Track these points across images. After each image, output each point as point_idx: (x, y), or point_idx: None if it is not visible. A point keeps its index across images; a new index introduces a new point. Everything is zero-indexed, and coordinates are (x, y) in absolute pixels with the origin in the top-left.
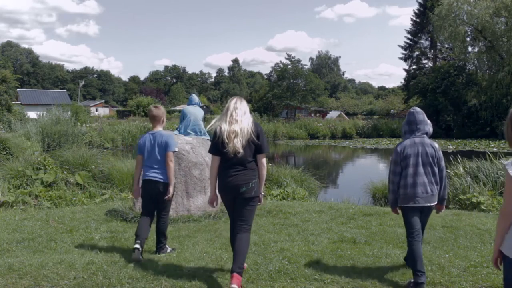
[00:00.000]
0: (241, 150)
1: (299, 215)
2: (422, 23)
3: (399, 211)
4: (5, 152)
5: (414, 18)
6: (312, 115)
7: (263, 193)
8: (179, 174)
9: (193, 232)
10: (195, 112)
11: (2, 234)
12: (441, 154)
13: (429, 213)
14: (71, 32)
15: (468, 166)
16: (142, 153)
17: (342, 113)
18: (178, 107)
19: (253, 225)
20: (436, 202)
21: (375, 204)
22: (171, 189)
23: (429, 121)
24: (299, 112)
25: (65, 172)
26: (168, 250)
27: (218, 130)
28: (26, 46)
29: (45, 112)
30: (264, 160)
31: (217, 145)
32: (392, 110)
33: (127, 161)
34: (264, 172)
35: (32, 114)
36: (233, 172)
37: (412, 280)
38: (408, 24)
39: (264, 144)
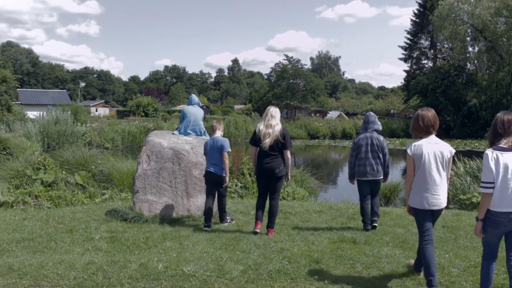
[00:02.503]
0: (267, 147)
1: (299, 215)
2: (422, 24)
3: (355, 182)
4: (5, 152)
5: (414, 19)
6: (312, 115)
7: (289, 175)
8: (179, 174)
9: (193, 232)
10: (195, 112)
11: (2, 234)
12: (385, 144)
13: (377, 184)
14: (72, 32)
15: (468, 166)
16: (206, 154)
17: (342, 113)
18: (178, 107)
19: (253, 225)
20: (382, 177)
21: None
22: (226, 178)
23: (379, 122)
24: (299, 112)
25: (65, 172)
26: (229, 221)
27: (257, 129)
28: (26, 46)
29: (44, 112)
30: (288, 153)
31: (255, 139)
32: (392, 110)
33: (127, 161)
34: (288, 162)
35: (32, 114)
36: (266, 160)
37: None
38: (408, 25)
39: (287, 143)
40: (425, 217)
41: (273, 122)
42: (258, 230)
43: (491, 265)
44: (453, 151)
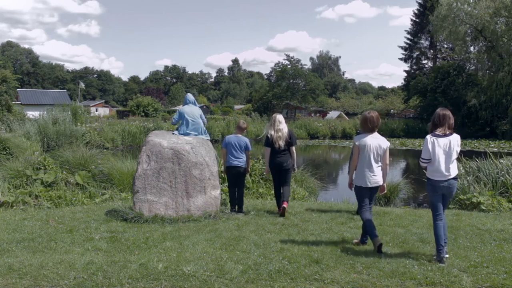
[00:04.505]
0: (282, 147)
1: (299, 215)
2: (422, 24)
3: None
4: (5, 152)
5: (414, 19)
6: (312, 115)
7: (296, 166)
8: (179, 174)
9: (193, 232)
10: (192, 111)
11: (2, 234)
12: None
13: None
14: (73, 32)
15: (468, 166)
16: (226, 148)
17: (342, 113)
18: (178, 107)
19: (253, 224)
20: None
21: (375, 204)
22: (248, 169)
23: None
24: (299, 112)
25: (65, 172)
26: (244, 211)
27: (269, 135)
28: (27, 46)
29: (44, 112)
30: (294, 149)
31: (269, 142)
32: (392, 110)
33: (127, 161)
34: (294, 155)
35: (32, 114)
36: (278, 156)
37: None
38: (408, 25)
39: (293, 140)
40: (365, 192)
41: (281, 126)
42: (285, 206)
43: (440, 221)
44: (389, 144)
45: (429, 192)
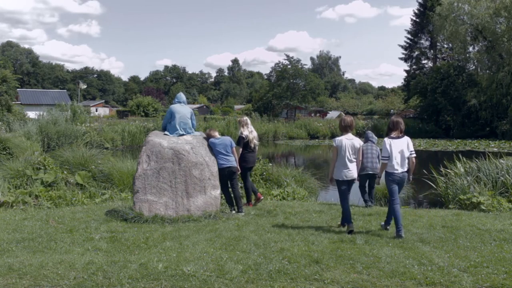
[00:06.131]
0: (257, 146)
1: (299, 215)
2: (422, 23)
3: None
4: (5, 152)
5: (414, 18)
6: (312, 115)
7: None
8: (179, 174)
9: (193, 232)
10: (183, 110)
11: (2, 234)
12: (379, 150)
13: (374, 178)
14: (73, 32)
15: (468, 166)
16: (216, 151)
17: (342, 113)
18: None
19: (253, 225)
20: (378, 171)
21: (375, 204)
22: (238, 167)
23: (375, 137)
24: (299, 112)
25: (65, 172)
26: (243, 212)
27: (245, 135)
28: (27, 46)
29: (44, 112)
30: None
31: (245, 142)
32: (392, 110)
33: (127, 161)
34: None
35: (32, 114)
36: (252, 155)
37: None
38: (408, 25)
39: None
40: (344, 185)
41: (252, 128)
42: (262, 197)
43: (397, 204)
44: (362, 143)
45: (388, 183)
